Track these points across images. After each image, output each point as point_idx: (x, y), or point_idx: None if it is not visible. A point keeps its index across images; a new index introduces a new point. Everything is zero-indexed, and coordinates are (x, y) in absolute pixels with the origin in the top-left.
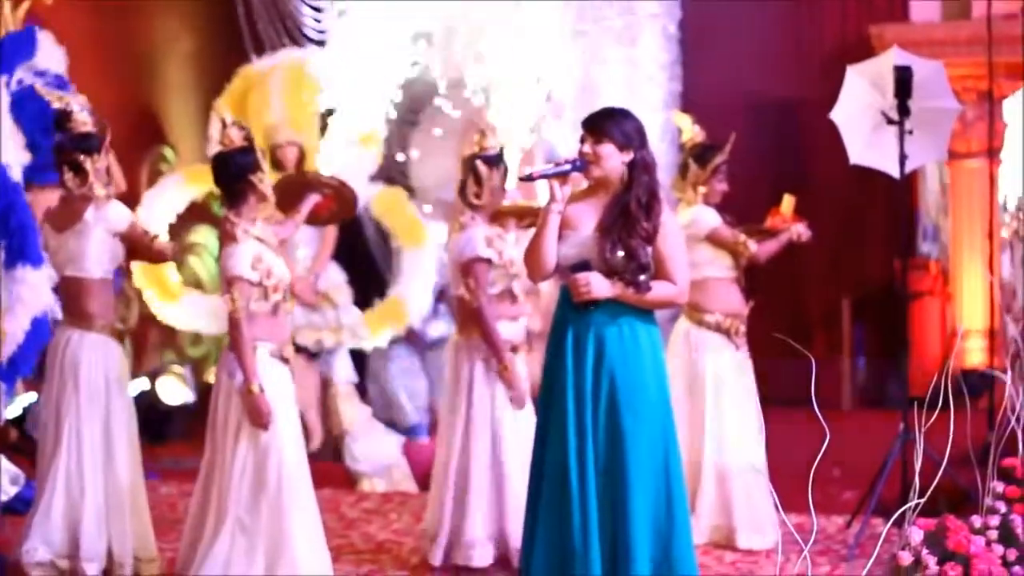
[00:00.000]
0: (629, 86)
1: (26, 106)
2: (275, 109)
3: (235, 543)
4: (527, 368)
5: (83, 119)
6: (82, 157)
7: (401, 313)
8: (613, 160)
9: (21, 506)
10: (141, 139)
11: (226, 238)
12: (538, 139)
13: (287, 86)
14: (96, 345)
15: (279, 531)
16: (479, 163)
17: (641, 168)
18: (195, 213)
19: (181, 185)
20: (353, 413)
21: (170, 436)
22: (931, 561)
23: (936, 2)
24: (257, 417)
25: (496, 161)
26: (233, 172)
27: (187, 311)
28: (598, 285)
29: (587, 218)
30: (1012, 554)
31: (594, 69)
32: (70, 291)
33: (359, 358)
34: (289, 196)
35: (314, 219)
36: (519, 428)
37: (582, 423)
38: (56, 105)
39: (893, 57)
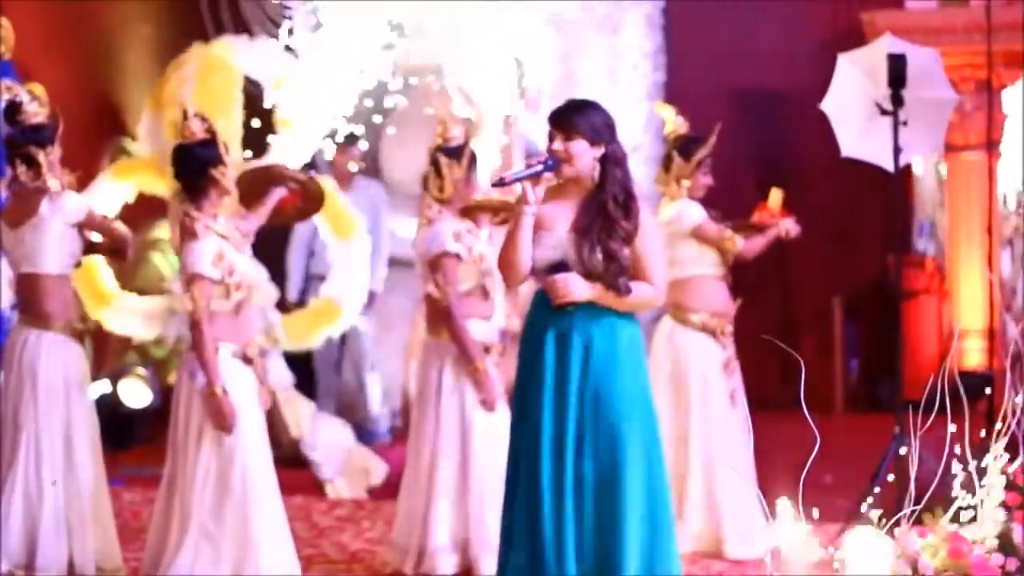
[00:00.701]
0: (611, 76)
1: None
2: (188, 99)
3: (200, 551)
4: (501, 370)
5: (34, 110)
6: (35, 149)
7: (336, 313)
8: (585, 157)
9: None
10: (100, 129)
11: (186, 234)
12: (515, 131)
13: (200, 75)
14: (55, 345)
15: (245, 538)
16: (439, 156)
17: (613, 163)
18: (158, 208)
19: (109, 183)
20: (299, 416)
21: (133, 441)
22: (928, 570)
23: None
24: (220, 420)
25: (457, 154)
26: (193, 166)
27: (121, 316)
28: (578, 288)
29: (561, 218)
30: (1012, 564)
31: (575, 58)
32: (27, 289)
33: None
34: (254, 190)
35: (279, 215)
36: (491, 431)
37: (563, 428)
38: (5, 96)
39: (886, 45)
